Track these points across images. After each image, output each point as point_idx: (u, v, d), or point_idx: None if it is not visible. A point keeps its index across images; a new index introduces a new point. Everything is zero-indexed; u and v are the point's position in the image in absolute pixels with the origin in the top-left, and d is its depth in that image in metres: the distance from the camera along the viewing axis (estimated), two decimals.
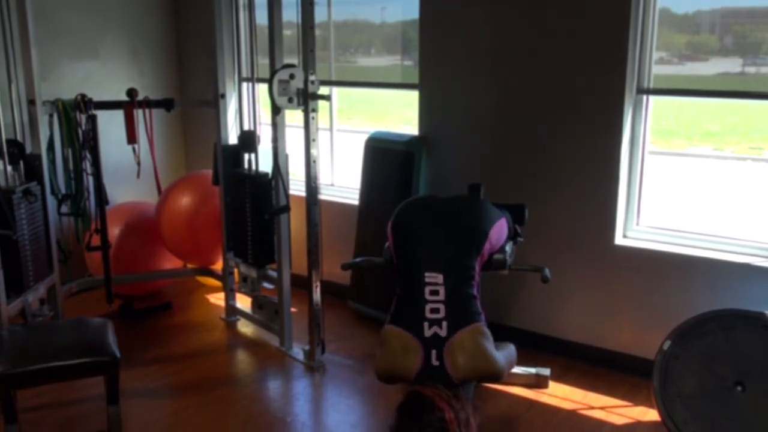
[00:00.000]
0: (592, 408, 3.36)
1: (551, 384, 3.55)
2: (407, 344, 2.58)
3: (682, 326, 3.05)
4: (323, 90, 3.64)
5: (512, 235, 3.20)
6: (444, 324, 2.57)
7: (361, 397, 3.49)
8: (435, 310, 2.60)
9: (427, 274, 2.68)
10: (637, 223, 3.66)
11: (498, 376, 2.62)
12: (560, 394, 3.48)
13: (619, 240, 3.63)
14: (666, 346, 3.06)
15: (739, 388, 2.91)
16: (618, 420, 3.25)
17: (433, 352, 2.55)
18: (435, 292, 2.64)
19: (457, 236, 2.82)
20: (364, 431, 3.17)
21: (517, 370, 3.50)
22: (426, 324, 2.58)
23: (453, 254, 2.75)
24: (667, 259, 3.48)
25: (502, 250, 3.01)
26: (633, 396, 3.44)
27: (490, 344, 2.60)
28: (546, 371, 3.58)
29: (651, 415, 3.24)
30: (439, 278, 2.66)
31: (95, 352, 2.45)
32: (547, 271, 3.12)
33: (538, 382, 3.54)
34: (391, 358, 2.60)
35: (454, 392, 2.40)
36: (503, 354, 2.71)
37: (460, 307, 2.63)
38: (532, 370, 3.57)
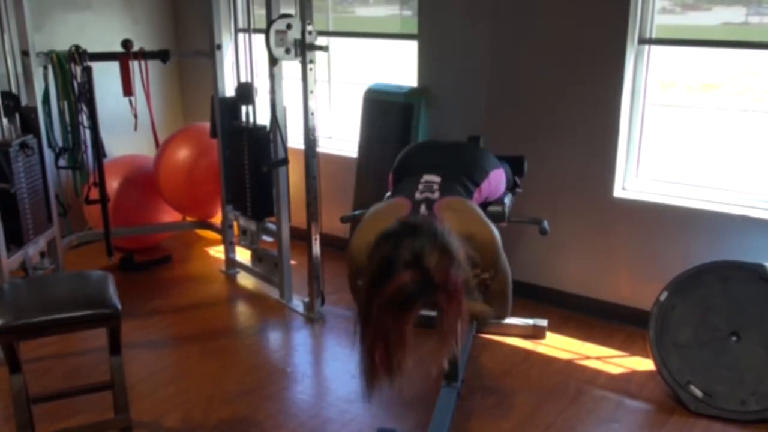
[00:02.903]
0: (588, 358, 3.40)
1: (548, 334, 3.59)
2: (395, 205, 2.37)
3: (679, 277, 3.08)
4: (321, 40, 3.59)
5: (511, 187, 3.19)
6: (437, 192, 2.40)
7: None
8: (429, 182, 2.45)
9: (425, 176, 2.52)
10: (637, 175, 3.66)
11: (489, 237, 2.31)
12: (557, 345, 3.52)
13: (618, 192, 3.63)
14: (663, 297, 3.09)
15: (734, 338, 2.95)
16: (614, 369, 3.30)
17: (422, 206, 2.33)
18: (431, 181, 2.48)
19: (458, 164, 2.73)
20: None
21: (514, 320, 3.54)
22: (418, 190, 2.41)
23: (453, 169, 2.63)
24: (666, 211, 3.48)
25: (500, 201, 2.99)
26: (628, 346, 3.48)
27: (481, 212, 2.42)
28: (543, 322, 3.61)
29: (646, 364, 3.28)
30: (437, 177, 2.51)
31: (97, 304, 2.46)
32: (545, 224, 3.13)
33: (536, 333, 3.58)
34: (372, 223, 2.27)
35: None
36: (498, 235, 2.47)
37: (455, 188, 2.49)
38: (530, 321, 3.61)
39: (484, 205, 2.85)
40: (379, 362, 1.93)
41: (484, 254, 2.27)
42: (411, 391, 2.99)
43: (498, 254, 2.37)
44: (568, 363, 3.37)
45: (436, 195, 2.40)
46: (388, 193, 2.96)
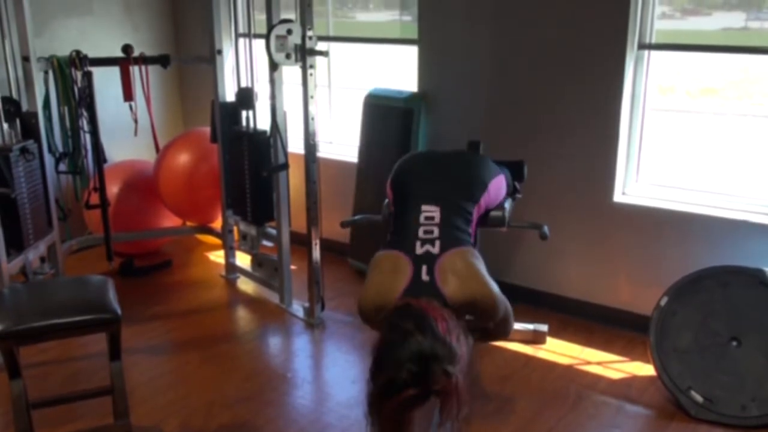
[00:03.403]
0: (588, 363, 3.40)
1: (549, 340, 3.59)
2: (396, 263, 2.39)
3: (680, 282, 3.08)
4: (321, 46, 3.59)
5: (511, 192, 3.19)
6: (437, 243, 2.42)
7: (360, 352, 3.53)
8: (429, 231, 2.46)
9: (423, 206, 2.55)
10: (637, 180, 3.66)
11: (490, 302, 2.37)
12: (557, 350, 3.52)
13: (618, 197, 3.63)
14: (663, 302, 3.09)
15: (734, 343, 2.95)
16: (614, 374, 3.29)
17: (424, 267, 2.37)
18: (430, 218, 2.51)
19: (456, 182, 2.75)
20: (363, 386, 3.20)
21: (515, 326, 3.53)
22: (418, 243, 2.43)
23: (451, 194, 2.65)
24: (666, 216, 3.48)
25: (500, 207, 2.99)
26: (629, 351, 3.48)
27: (482, 268, 2.43)
28: (543, 327, 3.61)
29: (646, 369, 3.28)
30: (435, 209, 2.54)
31: (97, 309, 2.46)
32: (545, 228, 3.13)
33: (536, 338, 3.58)
34: (379, 279, 2.39)
35: (448, 310, 2.21)
36: (499, 292, 2.51)
37: (454, 232, 2.50)
38: (530, 326, 3.60)
39: (485, 213, 2.86)
40: None
41: (486, 314, 2.42)
42: None
43: (498, 310, 2.43)
44: (569, 368, 3.36)
45: (437, 249, 2.40)
46: (387, 201, 2.96)
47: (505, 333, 2.69)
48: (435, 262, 2.38)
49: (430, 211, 2.54)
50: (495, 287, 2.41)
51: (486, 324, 2.50)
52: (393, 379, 2.01)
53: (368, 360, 2.07)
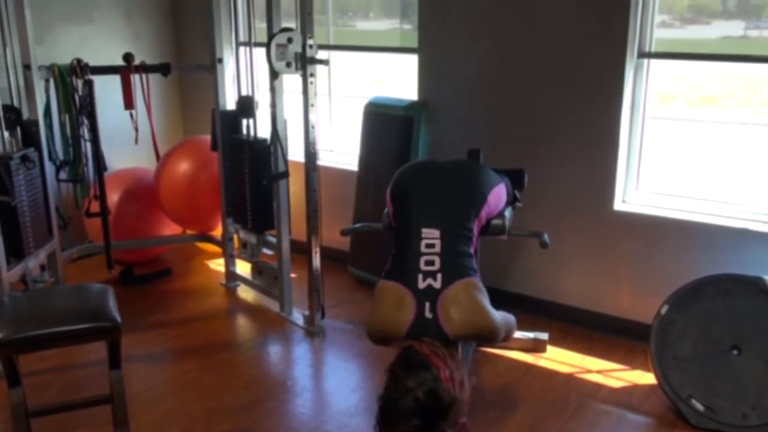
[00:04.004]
0: (589, 371, 3.39)
1: (549, 348, 3.58)
2: (400, 297, 2.51)
3: (680, 291, 3.07)
4: (321, 54, 3.60)
5: (511, 201, 3.20)
6: (438, 276, 2.51)
7: (360, 361, 3.52)
8: (430, 263, 2.54)
9: (423, 230, 2.62)
10: (637, 189, 3.66)
11: (492, 334, 2.52)
12: (558, 358, 3.51)
13: (618, 205, 3.63)
14: (663, 310, 3.08)
15: (735, 352, 2.94)
16: (615, 383, 3.29)
17: (427, 304, 2.48)
18: (431, 246, 2.58)
19: (455, 197, 2.79)
20: (363, 395, 3.21)
21: (515, 334, 3.53)
22: (420, 276, 2.52)
23: (451, 214, 2.70)
24: (666, 224, 3.48)
25: (501, 215, 3.00)
26: (630, 360, 3.47)
27: (485, 299, 2.53)
28: (544, 335, 3.61)
29: (647, 378, 3.27)
30: (436, 233, 2.60)
31: (96, 317, 2.46)
32: (545, 237, 3.13)
33: (536, 346, 3.57)
34: (384, 313, 2.53)
35: (449, 350, 2.32)
36: (500, 314, 2.67)
37: (455, 261, 2.57)
38: (531, 335, 3.60)
39: (486, 223, 2.88)
40: None
41: (487, 341, 2.73)
42: None
43: (499, 337, 2.58)
44: (569, 376, 3.35)
45: (438, 283, 2.50)
46: (386, 210, 2.97)
47: (505, 341, 2.85)
48: (437, 297, 2.48)
49: (431, 237, 2.61)
50: (497, 317, 2.53)
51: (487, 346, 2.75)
52: (398, 428, 2.07)
53: (374, 410, 2.11)
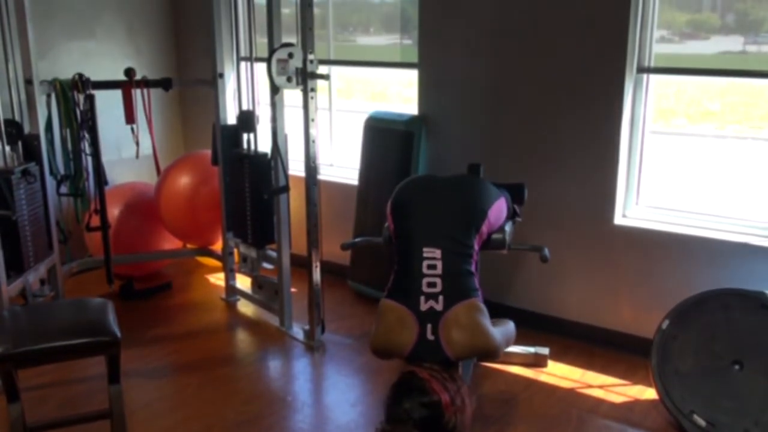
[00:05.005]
0: (590, 386, 3.38)
1: (550, 363, 3.57)
2: (403, 318, 2.56)
3: (681, 305, 3.06)
4: (322, 69, 3.62)
5: (511, 215, 3.20)
6: (440, 298, 2.56)
7: (360, 376, 3.51)
8: (432, 284, 2.59)
9: (425, 249, 2.66)
10: (637, 203, 3.66)
11: (494, 353, 2.59)
12: (559, 373, 3.50)
13: (618, 220, 3.63)
14: (665, 325, 3.07)
15: (736, 367, 2.93)
16: (616, 398, 3.27)
17: (429, 326, 2.53)
18: (432, 267, 2.62)
19: (455, 214, 2.81)
20: (363, 409, 3.19)
21: (515, 349, 3.52)
22: (422, 298, 2.57)
23: (451, 231, 2.73)
24: (666, 238, 3.48)
25: (501, 229, 3.01)
26: (631, 375, 3.46)
27: (486, 320, 2.57)
28: (545, 350, 3.59)
29: (649, 393, 3.26)
30: (437, 253, 2.65)
31: (96, 332, 2.45)
32: (546, 251, 3.13)
33: (537, 361, 3.56)
34: (387, 332, 2.59)
35: (450, 373, 2.38)
36: (500, 330, 2.69)
37: (457, 282, 2.61)
38: (531, 349, 3.59)
39: (487, 238, 2.88)
40: None
41: (487, 359, 2.92)
42: None
43: (499, 354, 2.65)
44: (570, 391, 3.34)
45: (440, 305, 2.55)
46: (386, 224, 2.97)
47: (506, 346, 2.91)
48: (439, 320, 2.53)
49: (432, 258, 2.65)
50: (497, 336, 2.59)
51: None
52: None
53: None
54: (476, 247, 2.75)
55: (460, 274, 2.64)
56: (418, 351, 2.50)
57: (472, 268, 2.70)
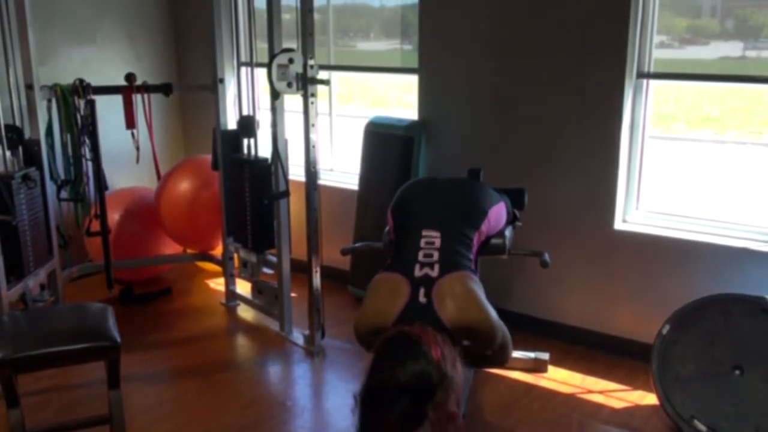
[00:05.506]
0: (590, 392, 3.37)
1: (550, 368, 3.57)
2: (395, 286, 2.38)
3: (681, 310, 3.06)
4: (322, 74, 3.62)
5: (511, 220, 3.20)
6: (436, 267, 2.41)
7: (360, 381, 3.50)
8: (428, 255, 2.46)
9: (424, 232, 2.56)
10: (637, 208, 3.66)
11: (488, 328, 2.35)
12: (559, 378, 3.49)
13: (618, 225, 3.63)
14: (665, 330, 3.07)
15: (737, 372, 2.93)
16: (617, 404, 3.27)
17: (422, 290, 2.35)
18: (430, 243, 2.50)
19: (456, 208, 2.76)
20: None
21: (516, 354, 3.52)
22: (417, 266, 2.42)
23: (452, 220, 2.66)
24: (667, 243, 3.48)
25: (501, 234, 3.00)
26: (631, 380, 3.46)
27: (481, 293, 2.42)
28: (545, 355, 3.59)
29: (649, 398, 3.26)
30: (436, 234, 2.54)
31: (96, 337, 2.45)
32: (546, 256, 3.13)
33: (537, 366, 3.55)
34: (375, 303, 2.39)
35: (442, 336, 2.20)
36: (497, 318, 2.48)
37: (454, 257, 2.49)
38: (531, 355, 3.58)
39: (486, 241, 2.86)
40: None
41: (483, 340, 2.38)
42: None
43: (496, 336, 2.40)
44: (571, 397, 3.34)
45: (435, 272, 2.39)
46: (387, 228, 2.96)
47: (503, 360, 2.65)
48: (433, 285, 2.36)
49: (431, 236, 2.54)
50: (493, 313, 2.40)
51: (484, 350, 2.47)
52: (384, 405, 1.99)
53: (357, 385, 2.05)
54: (475, 242, 2.68)
55: (458, 253, 2.52)
56: (409, 313, 2.30)
57: (471, 256, 2.60)
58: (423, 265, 2.43)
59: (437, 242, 2.52)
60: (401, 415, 1.97)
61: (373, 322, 2.34)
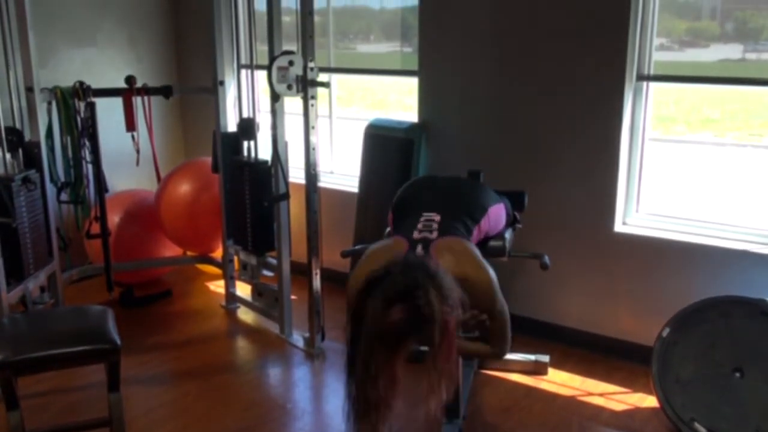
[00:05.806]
0: (590, 394, 3.37)
1: (550, 370, 3.56)
2: (392, 244, 2.36)
3: (682, 313, 3.06)
4: (322, 77, 3.63)
5: (511, 222, 3.20)
6: (435, 232, 2.40)
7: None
8: (428, 221, 2.46)
9: (425, 213, 2.54)
10: (637, 210, 3.66)
11: (486, 281, 2.30)
12: (559, 381, 3.49)
13: (618, 227, 3.63)
14: (665, 332, 3.07)
15: (737, 375, 2.93)
16: (617, 406, 3.26)
17: (419, 246, 2.33)
18: (430, 220, 2.49)
19: (457, 201, 2.75)
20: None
21: (516, 356, 3.52)
22: (416, 231, 2.41)
23: (452, 208, 2.64)
24: (667, 246, 3.48)
25: (501, 236, 2.99)
26: (631, 382, 3.45)
27: (478, 253, 2.40)
28: (545, 358, 3.59)
29: (649, 401, 3.25)
30: (437, 217, 2.52)
31: (96, 339, 2.45)
32: (546, 258, 3.13)
33: (537, 369, 3.55)
34: (371, 256, 2.34)
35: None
36: (495, 280, 2.43)
37: (453, 229, 2.48)
38: (531, 357, 3.58)
39: (485, 241, 2.85)
40: (369, 400, 1.91)
41: (480, 297, 2.28)
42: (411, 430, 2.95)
43: (494, 298, 2.35)
44: (571, 399, 3.33)
45: (434, 235, 2.39)
46: (388, 229, 2.96)
47: (503, 341, 2.52)
48: (431, 244, 2.35)
49: (431, 217, 2.52)
50: (492, 273, 2.35)
51: (484, 311, 2.36)
52: (381, 294, 1.88)
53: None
54: (474, 235, 2.65)
55: (457, 228, 2.51)
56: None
57: (471, 239, 2.58)
58: (422, 230, 2.41)
59: (437, 219, 2.49)
60: (400, 307, 1.85)
61: (369, 279, 2.07)
